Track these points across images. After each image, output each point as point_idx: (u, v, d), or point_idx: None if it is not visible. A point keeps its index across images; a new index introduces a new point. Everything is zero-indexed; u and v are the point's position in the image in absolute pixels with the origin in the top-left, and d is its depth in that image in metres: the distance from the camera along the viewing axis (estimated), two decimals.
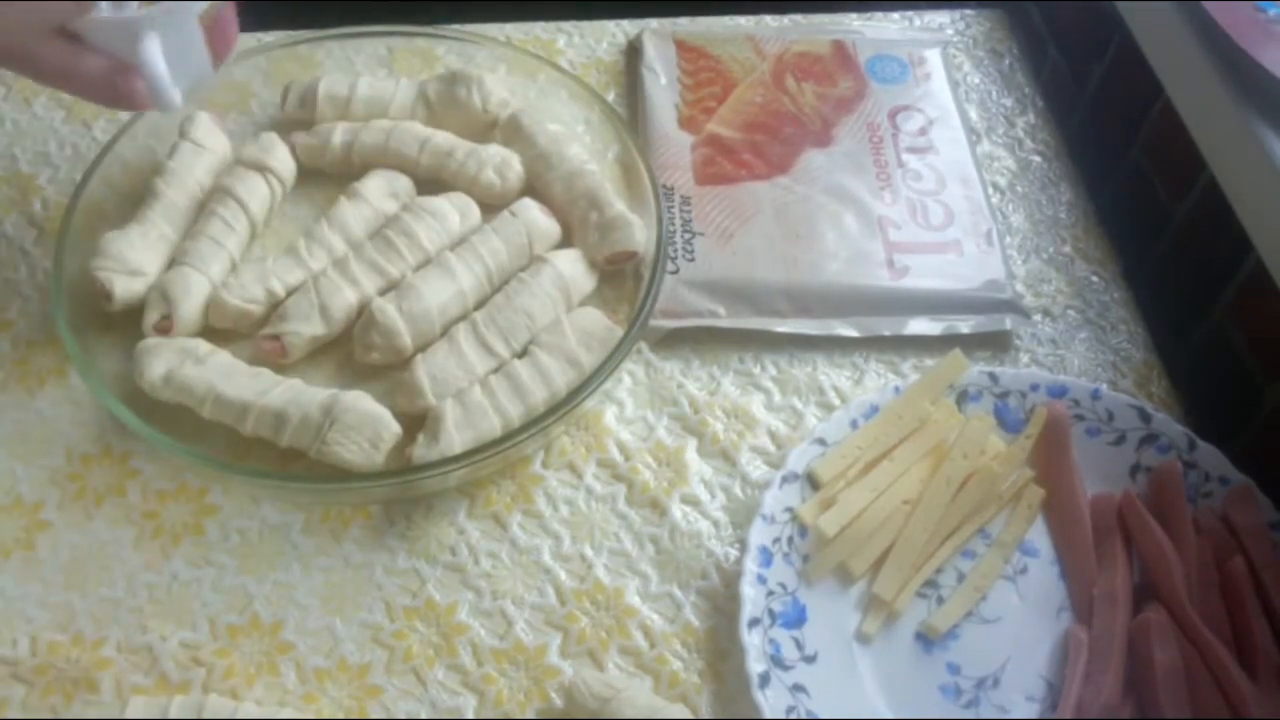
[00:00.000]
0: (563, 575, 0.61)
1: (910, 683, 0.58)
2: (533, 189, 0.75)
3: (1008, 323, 0.72)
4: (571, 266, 0.70)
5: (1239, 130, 0.64)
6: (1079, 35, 0.90)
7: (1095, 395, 0.65)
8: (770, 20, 0.90)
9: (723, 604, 0.60)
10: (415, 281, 0.67)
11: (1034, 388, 0.66)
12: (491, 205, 0.73)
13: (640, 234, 0.70)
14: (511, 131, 0.77)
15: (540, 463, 0.66)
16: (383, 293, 0.68)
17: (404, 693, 0.57)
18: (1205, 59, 0.67)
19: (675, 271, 0.72)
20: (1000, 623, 0.60)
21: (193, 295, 0.67)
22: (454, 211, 0.72)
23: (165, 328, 0.66)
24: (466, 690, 0.58)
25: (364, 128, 0.76)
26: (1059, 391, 0.66)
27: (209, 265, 0.68)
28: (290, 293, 0.68)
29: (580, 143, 0.77)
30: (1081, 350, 0.72)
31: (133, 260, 0.67)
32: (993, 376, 0.66)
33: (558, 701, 0.57)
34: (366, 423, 0.61)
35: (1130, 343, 0.73)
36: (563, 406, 0.61)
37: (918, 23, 0.91)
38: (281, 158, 0.74)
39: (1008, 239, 0.77)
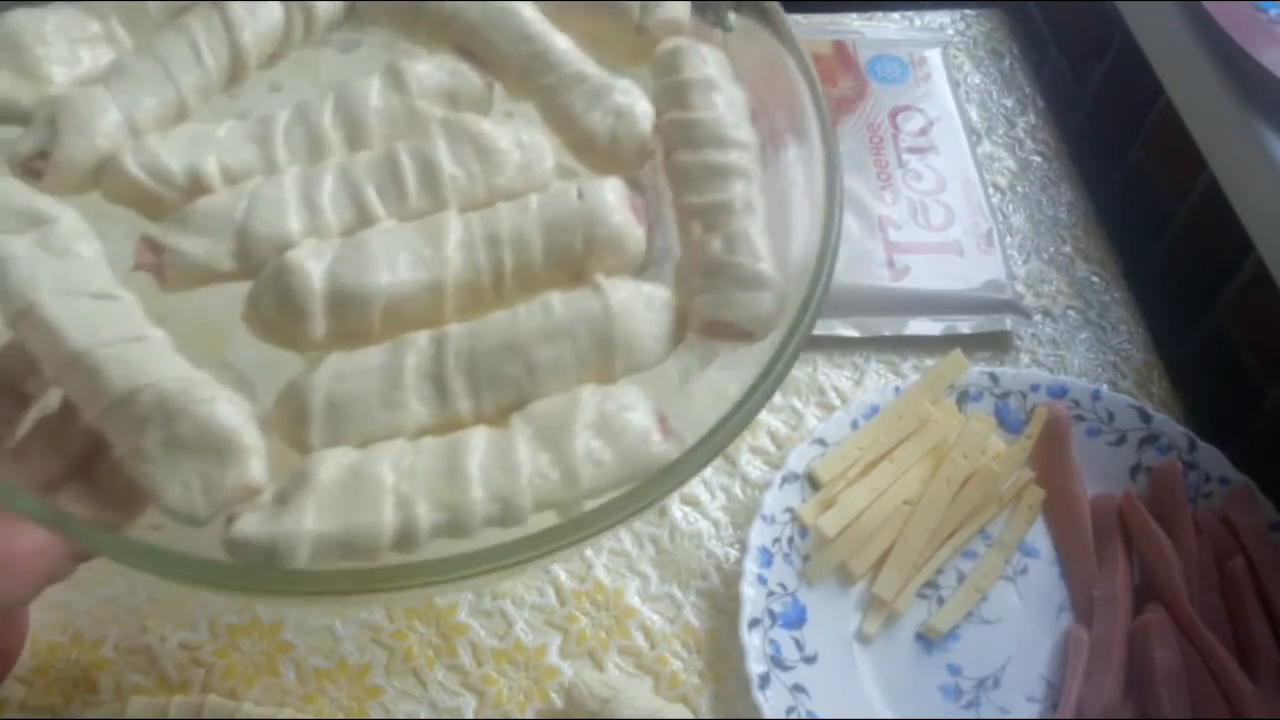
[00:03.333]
0: (563, 576, 0.61)
1: (910, 683, 0.58)
2: (647, 168, 0.50)
3: (1008, 323, 0.72)
4: (639, 314, 0.43)
5: (1239, 130, 0.64)
6: (1079, 35, 0.90)
7: (1095, 395, 0.65)
8: None
9: (723, 604, 0.60)
10: (373, 241, 0.43)
11: (1034, 388, 0.66)
12: (572, 168, 0.49)
13: (770, 305, 0.44)
14: (665, 70, 0.51)
15: None
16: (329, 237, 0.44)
17: (404, 693, 0.57)
18: (1205, 59, 0.67)
19: None
20: (1000, 623, 0.60)
21: (93, 136, 0.44)
22: (514, 151, 0.46)
23: (37, 169, 0.43)
24: (466, 691, 0.58)
25: None
26: (1059, 392, 0.66)
27: (139, 99, 0.45)
28: (225, 184, 0.45)
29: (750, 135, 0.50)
30: (1082, 350, 0.72)
31: (33, 52, 0.45)
32: (993, 377, 0.66)
33: (558, 702, 0.57)
34: (207, 445, 0.38)
35: (1130, 343, 0.73)
36: (502, 557, 0.36)
37: (918, 23, 0.91)
38: None
39: (1008, 239, 0.77)
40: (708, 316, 0.44)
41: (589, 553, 0.62)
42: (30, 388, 0.41)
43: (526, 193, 0.45)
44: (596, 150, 0.48)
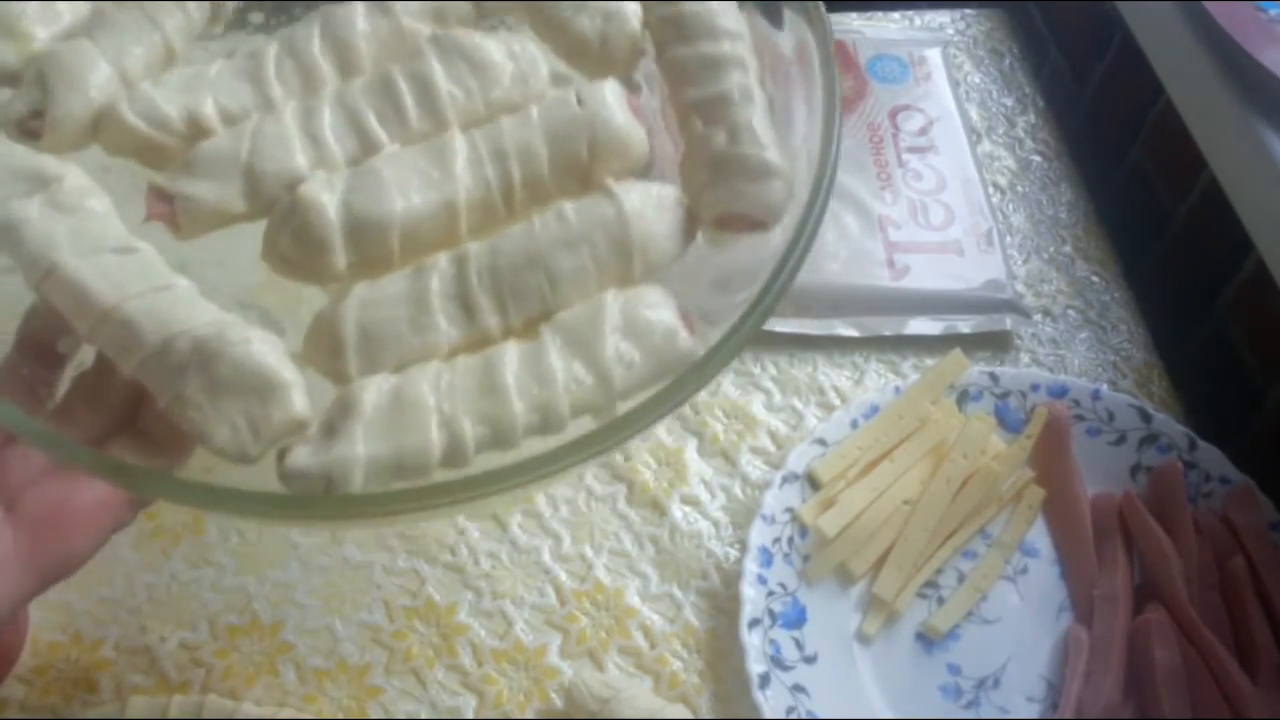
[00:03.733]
0: (563, 575, 0.61)
1: (910, 683, 0.58)
2: (641, 69, 0.50)
3: (1008, 322, 0.72)
4: (651, 215, 0.43)
5: (1239, 130, 0.64)
6: (1079, 35, 0.90)
7: (1096, 395, 0.65)
8: None
9: (723, 604, 0.60)
10: (382, 168, 0.42)
11: (1034, 388, 0.66)
12: (566, 74, 0.49)
13: (781, 193, 0.44)
14: None
15: None
16: (339, 168, 0.43)
17: (404, 693, 0.57)
18: (1205, 59, 0.67)
19: None
20: (1000, 623, 0.60)
21: (86, 90, 0.43)
22: (508, 63, 0.46)
23: (34, 129, 0.43)
24: (466, 691, 0.58)
25: None
26: (1059, 391, 0.66)
27: (126, 48, 0.44)
28: (224, 125, 0.44)
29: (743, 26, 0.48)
30: (1082, 350, 0.72)
31: (10, 12, 0.44)
32: (993, 376, 0.66)
33: (558, 702, 0.57)
34: (249, 385, 0.38)
35: (1131, 343, 0.73)
36: (549, 464, 0.37)
37: (918, 22, 0.91)
38: None
39: (1008, 239, 0.77)
40: (719, 210, 0.44)
41: (589, 552, 0.62)
42: (62, 347, 0.41)
43: (525, 104, 0.45)
44: (589, 54, 0.48)
